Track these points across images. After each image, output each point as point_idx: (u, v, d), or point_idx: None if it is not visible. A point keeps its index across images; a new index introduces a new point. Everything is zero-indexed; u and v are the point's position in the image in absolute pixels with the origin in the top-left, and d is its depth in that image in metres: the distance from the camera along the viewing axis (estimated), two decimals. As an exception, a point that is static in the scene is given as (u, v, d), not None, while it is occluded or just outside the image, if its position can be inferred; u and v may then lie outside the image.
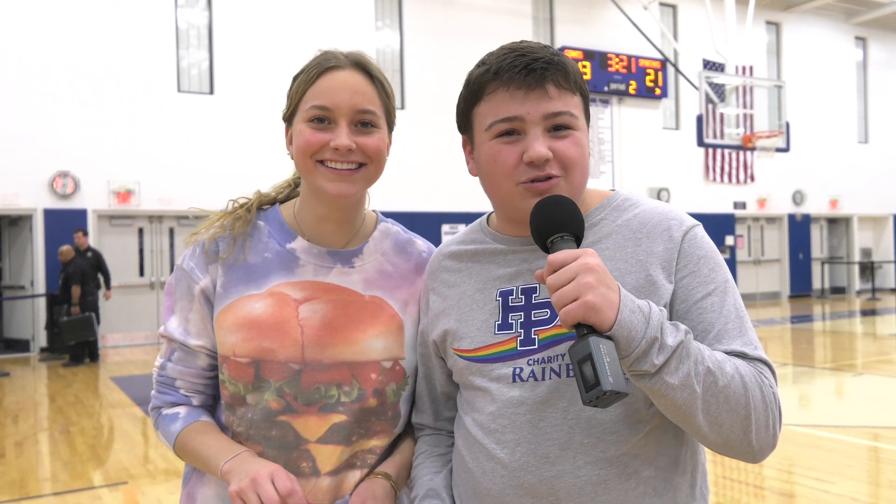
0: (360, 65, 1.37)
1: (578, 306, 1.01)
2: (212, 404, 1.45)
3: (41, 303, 12.16)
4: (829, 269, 21.60)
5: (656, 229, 1.22)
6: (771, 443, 1.14)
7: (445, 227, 15.49)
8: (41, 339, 12.25)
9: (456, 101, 1.36)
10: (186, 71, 13.52)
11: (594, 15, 17.57)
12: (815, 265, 21.06)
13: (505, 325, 1.25)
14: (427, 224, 15.13)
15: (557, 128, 1.20)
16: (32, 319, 12.32)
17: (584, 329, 1.02)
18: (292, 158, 1.40)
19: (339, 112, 1.32)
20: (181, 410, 1.41)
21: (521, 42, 1.24)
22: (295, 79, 1.39)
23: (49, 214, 12.30)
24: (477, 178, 1.31)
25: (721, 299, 1.18)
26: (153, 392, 1.45)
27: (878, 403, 7.29)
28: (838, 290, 21.67)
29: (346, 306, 1.39)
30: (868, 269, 21.61)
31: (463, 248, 1.37)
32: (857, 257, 21.72)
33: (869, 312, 16.83)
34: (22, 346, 12.48)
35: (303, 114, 1.34)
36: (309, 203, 1.42)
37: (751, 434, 1.10)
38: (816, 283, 21.09)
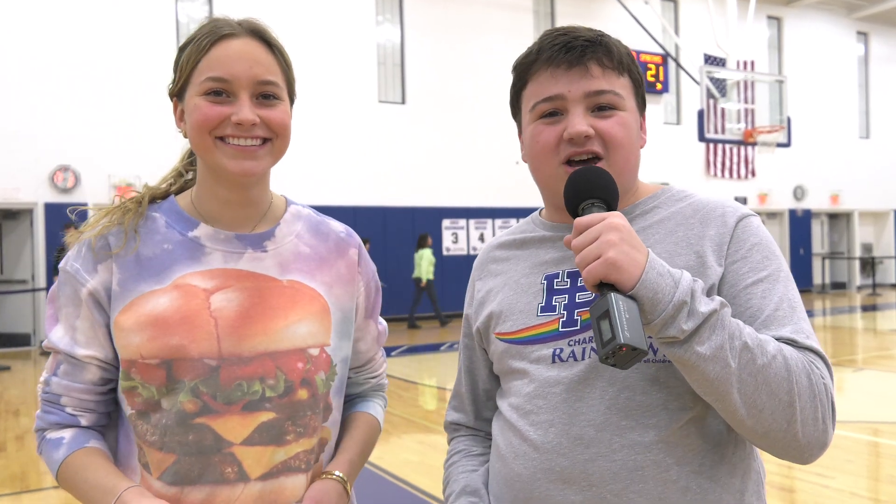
0: (257, 32, 1.26)
1: (600, 263, 0.99)
2: (104, 423, 1.30)
3: (41, 296, 12.17)
4: (829, 264, 21.59)
5: (710, 215, 1.20)
6: (821, 439, 1.05)
7: (446, 223, 15.48)
8: (41, 333, 12.26)
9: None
10: (187, 65, 13.50)
11: (595, 10, 17.54)
12: (815, 260, 21.06)
13: (548, 308, 1.22)
14: (427, 219, 15.13)
15: (602, 108, 1.18)
16: (33, 313, 12.33)
17: (606, 288, 1.00)
18: (185, 136, 1.28)
19: (238, 83, 1.21)
20: (66, 435, 1.25)
21: (567, 26, 1.24)
22: (182, 49, 1.26)
23: (50, 208, 12.31)
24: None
25: (772, 286, 1.12)
26: (37, 412, 1.29)
27: (879, 399, 7.30)
28: (839, 286, 21.68)
29: (262, 293, 1.26)
30: (869, 264, 21.60)
31: (511, 237, 1.37)
32: (857, 253, 21.72)
33: (870, 308, 16.83)
34: (22, 340, 12.50)
35: (196, 86, 1.22)
36: (208, 186, 1.29)
37: (796, 425, 1.02)
38: (817, 279, 21.08)
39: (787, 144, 14.09)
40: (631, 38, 17.39)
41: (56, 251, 11.57)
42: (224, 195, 1.29)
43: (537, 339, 1.21)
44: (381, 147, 14.60)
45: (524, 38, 16.65)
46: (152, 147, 12.84)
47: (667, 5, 18.69)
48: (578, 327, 1.18)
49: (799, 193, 20.63)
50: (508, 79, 1.31)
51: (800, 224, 20.70)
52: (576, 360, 1.17)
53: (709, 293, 1.11)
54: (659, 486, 1.09)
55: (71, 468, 1.22)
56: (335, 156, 14.22)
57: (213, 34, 1.24)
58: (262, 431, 1.22)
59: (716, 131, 14.21)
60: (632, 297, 0.99)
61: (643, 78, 1.26)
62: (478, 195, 15.70)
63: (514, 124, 1.34)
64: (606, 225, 1.02)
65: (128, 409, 1.24)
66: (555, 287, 1.23)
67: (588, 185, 1.12)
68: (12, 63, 12.03)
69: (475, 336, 1.36)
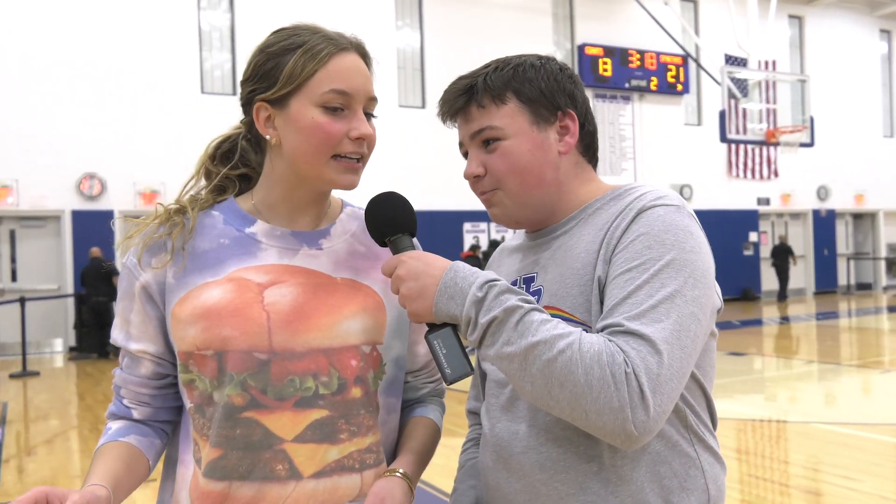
0: (361, 48, 1.29)
1: (409, 314, 1.16)
2: (162, 419, 1.31)
3: (69, 303, 12.34)
4: (854, 265, 21.36)
5: (624, 206, 1.20)
6: (623, 426, 1.02)
7: (467, 226, 15.51)
8: (70, 339, 12.43)
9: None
10: (209, 73, 13.65)
11: (614, 11, 17.50)
12: (840, 261, 20.83)
13: None
14: (448, 222, 15.16)
15: (487, 142, 1.28)
16: (65, 319, 12.50)
17: (427, 325, 1.17)
18: (272, 143, 1.26)
19: (356, 98, 1.23)
20: (113, 426, 1.28)
21: (455, 80, 1.34)
22: (276, 55, 1.24)
23: (77, 215, 12.49)
24: None
25: (638, 275, 1.09)
26: None
27: (906, 401, 7.22)
28: (864, 287, 21.42)
29: (316, 289, 1.26)
30: (895, 264, 21.32)
31: (507, 244, 1.49)
32: (883, 253, 21.45)
33: (896, 309, 16.63)
34: (50, 346, 12.67)
35: (314, 97, 1.21)
36: (284, 189, 1.29)
37: (593, 414, 1.02)
38: (842, 280, 20.86)
39: (811, 144, 13.97)
40: (650, 38, 17.34)
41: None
42: (304, 199, 1.31)
43: None
44: (402, 151, 14.65)
45: (543, 42, 16.64)
46: (177, 155, 12.98)
47: (686, 5, 18.60)
48: None
49: (822, 193, 20.43)
50: None
51: (824, 224, 20.50)
52: None
53: (593, 289, 1.17)
54: (580, 476, 1.17)
55: (93, 459, 1.24)
56: (356, 161, 14.28)
57: (332, 46, 1.24)
58: (315, 429, 1.21)
59: (738, 132, 14.12)
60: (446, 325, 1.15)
61: (546, 87, 1.27)
62: (498, 198, 15.67)
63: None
64: (396, 278, 1.17)
65: (188, 403, 1.25)
66: None
67: (384, 219, 1.26)
68: (39, 74, 12.22)
69: None
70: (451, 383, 1.14)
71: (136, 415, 1.29)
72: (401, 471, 1.27)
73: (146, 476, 1.29)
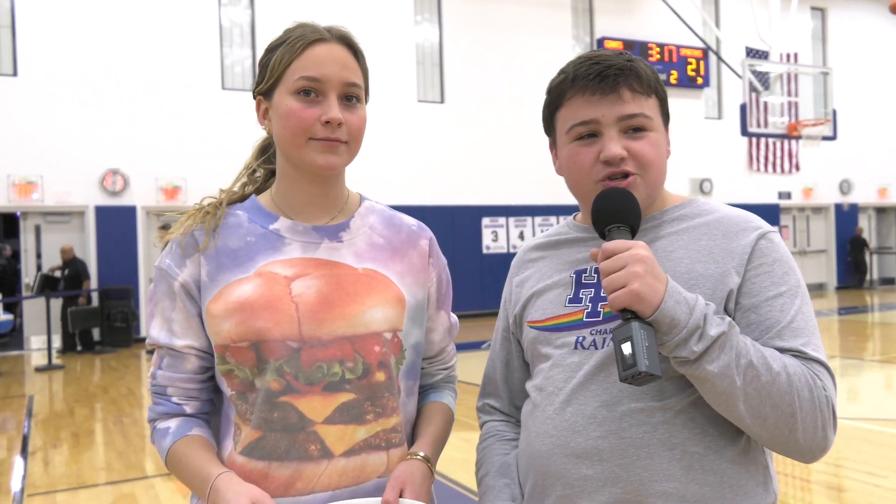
0: (344, 39, 1.35)
1: (625, 293, 1.10)
2: (208, 410, 1.40)
3: (93, 297, 12.48)
4: (878, 259, 21.12)
5: (733, 229, 1.28)
6: (821, 445, 1.16)
7: (486, 221, 15.50)
8: (94, 333, 12.58)
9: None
10: (230, 69, 13.73)
11: (634, 4, 17.39)
12: (851, 259, 20.61)
13: (576, 299, 1.33)
14: (467, 218, 15.16)
15: (633, 129, 1.27)
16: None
17: (629, 313, 1.11)
18: (269, 133, 1.37)
19: (328, 84, 1.29)
20: (172, 424, 1.35)
21: (598, 51, 1.32)
22: (269, 51, 1.35)
23: (100, 211, 12.63)
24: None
25: (790, 301, 1.22)
26: (150, 405, 1.40)
27: (930, 396, 7.14)
28: (887, 281, 21.18)
29: (339, 280, 1.33)
30: (919, 259, 21.08)
31: (546, 240, 1.47)
32: (907, 247, 21.20)
33: (920, 303, 16.42)
34: (70, 340, 12.81)
35: (288, 85, 1.30)
36: (290, 181, 1.37)
37: (797, 433, 1.14)
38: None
39: (833, 137, 13.84)
40: (671, 31, 17.21)
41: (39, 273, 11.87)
42: (306, 189, 1.37)
43: (563, 328, 1.33)
44: (421, 146, 14.66)
45: (562, 36, 16.58)
46: (198, 150, 13.09)
47: (707, -2, 18.46)
48: (601, 318, 1.29)
49: (845, 187, 20.21)
50: (547, 76, 1.38)
51: (846, 218, 20.28)
52: (596, 348, 1.27)
53: (727, 301, 1.22)
54: (664, 462, 1.19)
55: (175, 456, 1.32)
56: (375, 156, 14.32)
57: (305, 38, 1.32)
58: (343, 411, 1.30)
59: (759, 125, 14.02)
60: (650, 323, 1.11)
61: (664, 95, 1.35)
62: (517, 193, 15.68)
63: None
64: (632, 256, 1.12)
65: (228, 391, 1.33)
66: (583, 281, 1.34)
67: (614, 208, 1.22)
68: (64, 72, 12.36)
69: (511, 326, 1.47)
70: (634, 379, 1.07)
71: (188, 410, 1.37)
72: (421, 454, 1.36)
73: None
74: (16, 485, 5.13)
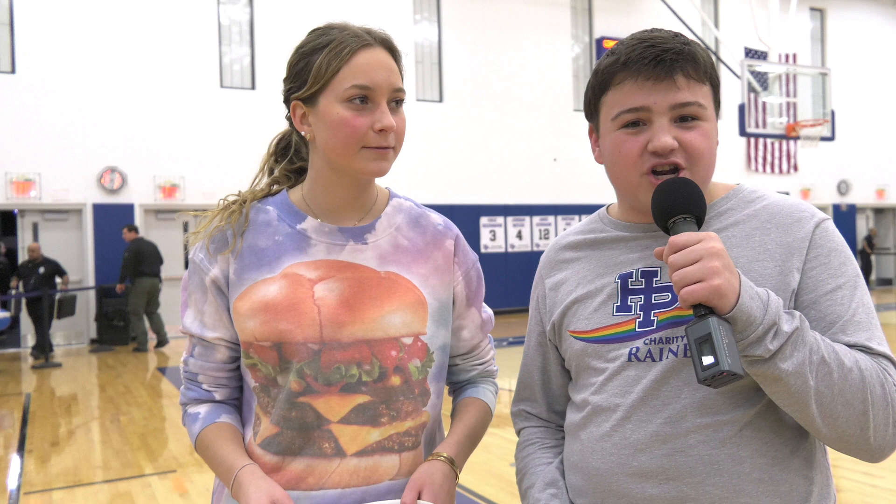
0: (386, 42, 1.34)
1: (703, 288, 1.02)
2: (237, 396, 1.44)
3: (90, 295, 12.48)
4: (875, 260, 21.14)
5: (786, 220, 1.21)
6: (891, 442, 1.11)
7: (483, 220, 15.50)
8: (91, 331, 12.56)
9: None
10: (229, 67, 13.71)
11: (633, 4, 17.39)
12: (860, 257, 20.63)
13: (624, 307, 1.25)
14: (465, 216, 15.16)
15: (685, 118, 1.19)
16: (87, 311, 12.63)
17: (703, 310, 1.04)
18: (308, 138, 1.36)
19: (379, 91, 1.29)
20: (202, 410, 1.40)
21: (652, 31, 1.22)
22: (308, 54, 1.32)
23: (98, 209, 12.61)
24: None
25: (850, 293, 1.16)
26: (181, 388, 1.45)
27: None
28: (885, 282, 21.21)
29: (361, 283, 1.35)
30: (917, 259, 21.11)
31: (581, 237, 1.38)
32: (905, 248, 21.23)
33: (917, 304, 16.44)
34: (72, 337, 12.81)
35: (338, 93, 1.28)
36: (326, 184, 1.37)
37: (868, 431, 1.09)
38: (863, 274, 20.66)
39: (832, 138, 13.84)
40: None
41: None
42: (341, 193, 1.38)
43: (614, 339, 1.25)
44: (419, 145, 14.65)
45: (562, 35, 16.58)
46: (196, 148, 13.08)
47: (706, -2, 18.46)
48: (654, 327, 1.21)
49: (843, 188, 20.23)
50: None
51: (844, 219, 20.30)
52: (653, 360, 1.20)
53: (788, 299, 1.16)
54: (734, 478, 1.14)
55: (204, 442, 1.38)
56: (373, 155, 14.30)
57: (351, 43, 1.30)
58: (359, 412, 1.33)
59: (757, 125, 14.01)
60: (726, 320, 1.04)
61: (717, 82, 1.25)
62: (515, 193, 15.69)
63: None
64: (708, 250, 1.05)
65: (252, 382, 1.37)
66: (629, 287, 1.26)
67: (679, 198, 1.14)
68: (61, 69, 12.33)
69: (549, 333, 1.39)
70: (714, 379, 1.00)
71: (217, 396, 1.42)
72: (444, 455, 1.36)
73: None
74: (12, 483, 5.12)
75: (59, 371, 10.07)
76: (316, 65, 1.30)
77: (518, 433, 1.49)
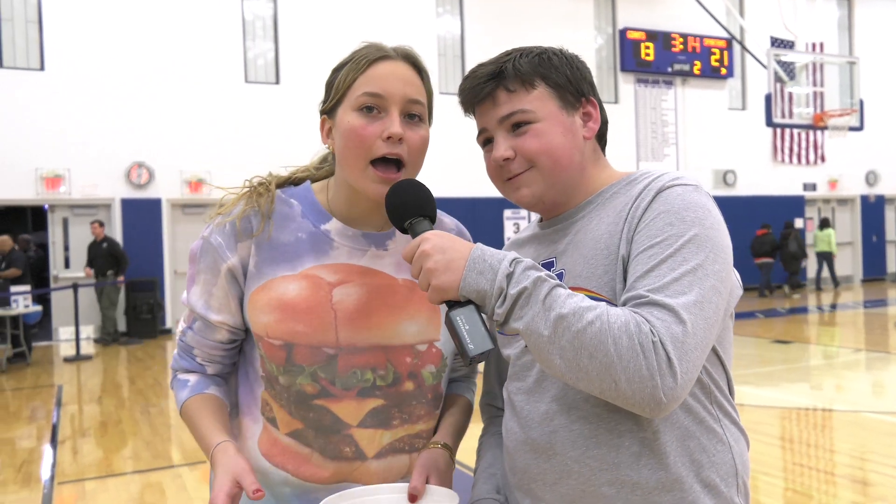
0: (409, 58, 1.36)
1: (432, 290, 1.14)
2: (228, 372, 1.47)
3: (119, 289, 12.65)
4: (904, 251, 20.84)
5: (639, 188, 1.24)
6: (653, 393, 1.04)
7: (507, 213, 15.49)
8: (121, 324, 12.74)
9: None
10: (253, 62, 13.80)
11: (657, -6, 17.24)
12: (889, 248, 20.33)
13: None
14: (489, 209, 15.16)
15: (518, 125, 1.29)
16: (119, 305, 12.80)
17: (449, 304, 1.14)
18: (332, 150, 1.38)
19: (390, 100, 1.29)
20: (191, 379, 1.41)
21: (475, 67, 1.36)
22: (336, 70, 1.36)
23: (126, 204, 12.78)
24: None
25: (661, 251, 1.13)
26: (175, 352, 1.46)
27: (958, 390, 7.05)
28: (915, 274, 20.91)
29: (379, 290, 1.38)
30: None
31: (517, 237, 1.51)
32: (935, 239, 20.89)
33: (948, 296, 16.19)
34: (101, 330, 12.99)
35: (351, 101, 1.30)
36: (346, 192, 1.38)
37: (621, 383, 1.04)
38: (891, 267, 20.35)
39: (860, 128, 13.64)
40: (694, 22, 17.05)
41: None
42: (363, 205, 1.38)
43: None
44: (443, 138, 14.60)
45: (584, 27, 16.48)
46: (222, 143, 13.18)
47: (731, -12, 18.25)
48: None
49: (871, 179, 19.94)
50: None
51: (872, 210, 20.01)
52: None
53: (628, 262, 1.17)
54: (612, 451, 1.19)
55: (189, 410, 1.38)
56: (397, 148, 14.34)
57: (370, 56, 1.32)
58: (373, 416, 1.37)
59: (784, 116, 13.85)
60: (470, 301, 1.13)
61: (571, 74, 1.32)
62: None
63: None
64: (420, 254, 1.16)
65: (259, 370, 1.39)
66: None
67: (401, 203, 1.26)
68: (89, 65, 12.50)
69: (493, 331, 1.47)
70: (472, 361, 1.11)
71: (209, 370, 1.44)
72: (442, 442, 1.42)
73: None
74: (45, 473, 5.23)
75: (90, 363, 10.23)
76: (338, 78, 1.34)
77: (484, 420, 1.57)
